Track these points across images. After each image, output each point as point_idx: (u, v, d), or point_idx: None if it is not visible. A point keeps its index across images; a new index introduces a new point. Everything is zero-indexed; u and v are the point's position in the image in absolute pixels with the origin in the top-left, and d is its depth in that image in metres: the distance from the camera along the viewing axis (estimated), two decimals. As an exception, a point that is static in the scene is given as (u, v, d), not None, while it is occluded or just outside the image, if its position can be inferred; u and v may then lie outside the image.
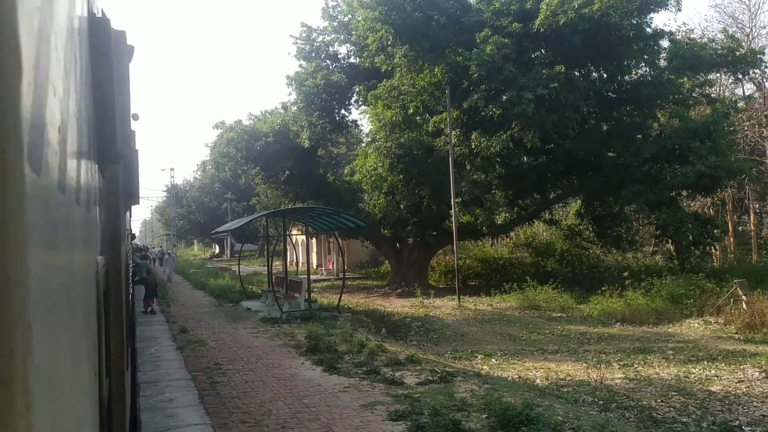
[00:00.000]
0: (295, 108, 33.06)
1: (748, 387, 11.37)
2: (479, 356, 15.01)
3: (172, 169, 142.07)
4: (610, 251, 32.38)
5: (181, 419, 8.45)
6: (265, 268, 30.40)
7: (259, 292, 24.74)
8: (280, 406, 8.87)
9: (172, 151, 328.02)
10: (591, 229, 31.40)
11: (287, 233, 26.48)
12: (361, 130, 42.19)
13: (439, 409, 8.09)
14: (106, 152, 2.48)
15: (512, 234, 38.28)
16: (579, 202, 32.39)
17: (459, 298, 24.86)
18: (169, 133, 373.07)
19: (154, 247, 60.47)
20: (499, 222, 26.46)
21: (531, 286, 24.50)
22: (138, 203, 8.71)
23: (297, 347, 13.15)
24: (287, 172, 32.68)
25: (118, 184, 3.83)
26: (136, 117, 11.39)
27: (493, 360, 14.51)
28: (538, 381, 12.19)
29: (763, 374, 12.07)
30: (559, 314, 21.83)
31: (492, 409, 8.09)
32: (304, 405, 8.86)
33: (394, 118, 27.79)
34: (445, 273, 34.83)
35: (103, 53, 2.29)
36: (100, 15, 2.49)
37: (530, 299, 23.50)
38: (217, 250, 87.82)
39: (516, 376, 12.53)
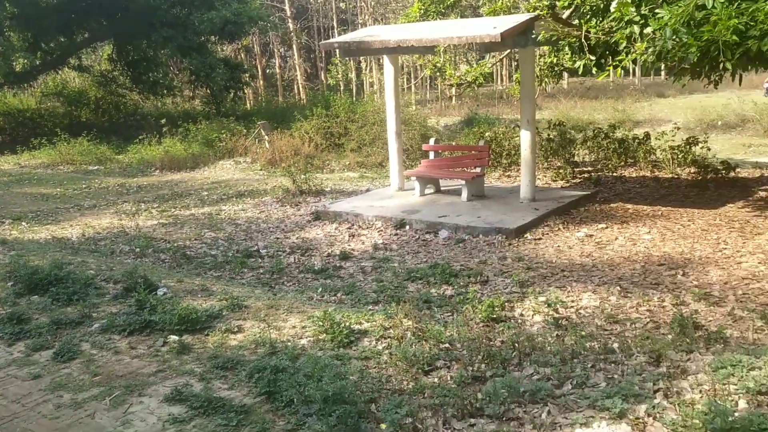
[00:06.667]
0: None
1: (266, 216, 13.12)
2: (7, 221, 13.79)
3: None
4: (148, 98, 32.03)
5: None
6: None
7: None
8: None
9: None
10: (126, 75, 30.38)
11: None
12: None
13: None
14: None
15: (41, 83, 34.56)
16: (110, 46, 30.71)
17: (-22, 159, 21.87)
18: None
19: None
20: (19, 69, 23.41)
21: (63, 139, 22.91)
22: None
23: None
24: None
25: None
26: None
27: (23, 224, 13.51)
28: (74, 238, 11.90)
29: (278, 203, 14.09)
30: (96, 167, 21.15)
31: (18, 275, 7.71)
32: None
33: None
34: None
35: None
36: None
37: (64, 154, 22.04)
38: None
39: (50, 237, 12.00)
